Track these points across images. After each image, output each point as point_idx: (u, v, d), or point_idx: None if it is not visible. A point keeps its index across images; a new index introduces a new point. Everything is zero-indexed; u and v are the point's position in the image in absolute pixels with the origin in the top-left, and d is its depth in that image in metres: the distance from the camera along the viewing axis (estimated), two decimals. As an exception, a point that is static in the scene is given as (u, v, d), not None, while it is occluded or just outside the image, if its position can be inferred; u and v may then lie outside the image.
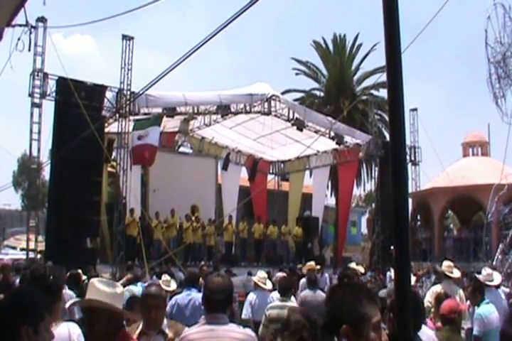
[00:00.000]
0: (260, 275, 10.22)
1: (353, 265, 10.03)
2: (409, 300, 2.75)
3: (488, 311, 7.40)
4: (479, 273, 9.79)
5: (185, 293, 8.39)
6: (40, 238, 18.32)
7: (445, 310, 6.25)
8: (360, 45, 37.98)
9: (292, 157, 29.75)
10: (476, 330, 7.13)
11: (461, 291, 9.41)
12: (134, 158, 20.37)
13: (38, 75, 18.15)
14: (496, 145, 37.17)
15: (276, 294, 10.57)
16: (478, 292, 7.91)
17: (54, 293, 3.97)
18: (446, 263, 9.64)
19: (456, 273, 9.65)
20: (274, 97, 23.59)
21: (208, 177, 27.41)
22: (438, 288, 9.09)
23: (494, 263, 23.67)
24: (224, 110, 23.10)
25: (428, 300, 8.65)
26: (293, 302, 8.38)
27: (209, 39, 6.45)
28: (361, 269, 13.60)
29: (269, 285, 10.09)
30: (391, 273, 14.12)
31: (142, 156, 20.74)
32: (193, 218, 23.41)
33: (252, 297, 9.72)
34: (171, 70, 7.40)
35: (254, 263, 25.03)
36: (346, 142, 26.30)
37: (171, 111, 21.93)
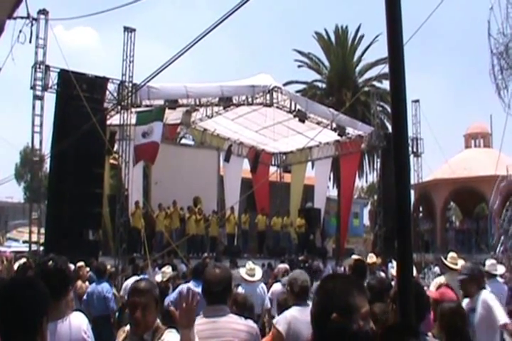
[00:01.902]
0: (248, 266, 10.20)
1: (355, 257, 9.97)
2: (411, 291, 2.77)
3: None
4: (483, 264, 9.82)
5: (192, 283, 8.46)
6: (43, 230, 18.35)
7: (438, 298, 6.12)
8: (362, 37, 38.00)
9: (294, 148, 29.75)
10: None
11: None
12: (138, 156, 20.27)
13: (39, 68, 18.11)
14: (498, 136, 37.12)
15: (278, 285, 10.62)
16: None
17: (64, 285, 4.01)
18: (450, 255, 9.57)
19: (460, 265, 9.59)
20: (276, 89, 23.52)
21: (210, 169, 27.41)
22: (442, 280, 9.07)
23: (496, 254, 23.75)
24: (226, 102, 23.04)
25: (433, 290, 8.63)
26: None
27: (211, 30, 6.45)
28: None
29: (256, 277, 10.09)
30: (393, 265, 14.12)
31: (146, 154, 20.74)
32: (196, 210, 23.42)
33: (240, 290, 9.74)
34: (172, 62, 7.39)
35: (256, 254, 25.05)
36: (348, 133, 26.23)
37: (172, 103, 21.88)
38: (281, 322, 5.25)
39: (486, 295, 6.52)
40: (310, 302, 4.82)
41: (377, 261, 13.58)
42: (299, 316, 5.20)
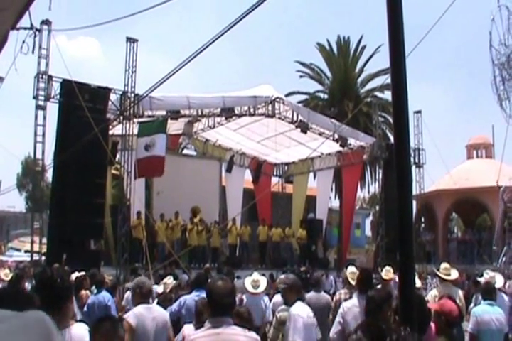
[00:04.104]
0: (254, 277, 9.97)
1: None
2: (413, 302, 2.76)
3: (484, 310, 7.47)
4: (481, 275, 9.78)
5: (194, 293, 8.42)
6: (45, 240, 18.35)
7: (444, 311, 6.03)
8: (364, 47, 38.04)
9: (296, 159, 29.78)
10: (470, 328, 7.36)
11: (460, 293, 9.31)
12: (140, 171, 19.98)
13: (42, 78, 18.16)
14: (500, 147, 37.09)
15: (279, 296, 10.54)
16: (484, 292, 7.96)
17: (63, 294, 3.98)
18: (442, 266, 9.53)
19: (454, 275, 9.47)
20: (278, 99, 23.61)
21: (212, 179, 27.40)
22: (435, 292, 9.05)
23: (499, 265, 23.68)
24: (228, 112, 23.09)
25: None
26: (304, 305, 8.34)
27: (213, 41, 6.47)
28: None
29: (260, 289, 9.83)
30: (395, 276, 13.96)
31: (150, 169, 20.58)
32: (196, 220, 23.40)
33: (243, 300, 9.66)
34: (175, 73, 7.41)
35: (258, 265, 25.00)
36: (350, 144, 26.26)
37: (175, 114, 21.92)
38: (131, 317, 6.41)
39: (295, 309, 6.87)
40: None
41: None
42: (145, 313, 6.51)
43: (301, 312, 6.88)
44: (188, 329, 6.63)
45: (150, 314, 6.58)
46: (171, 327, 6.92)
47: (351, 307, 6.79)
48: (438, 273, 9.41)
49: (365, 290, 6.86)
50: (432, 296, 8.82)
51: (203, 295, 8.13)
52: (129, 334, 6.11)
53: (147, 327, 6.37)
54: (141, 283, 7.00)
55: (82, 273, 12.11)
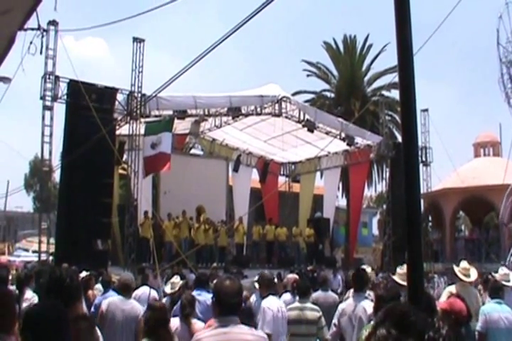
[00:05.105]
0: None
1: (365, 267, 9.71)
2: (421, 300, 2.75)
3: (493, 309, 7.42)
4: (496, 271, 9.66)
5: (195, 292, 8.42)
6: (52, 240, 18.38)
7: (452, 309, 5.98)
8: (370, 46, 37.93)
9: (303, 158, 29.74)
10: (479, 326, 7.31)
11: (478, 294, 9.15)
12: (147, 168, 20.13)
13: (49, 78, 18.19)
14: (507, 145, 37.00)
15: (287, 295, 10.53)
16: (491, 291, 7.91)
17: (73, 294, 3.97)
18: (462, 265, 9.20)
19: (473, 277, 9.14)
20: (284, 99, 23.58)
21: (218, 178, 27.41)
22: (452, 289, 8.88)
23: (506, 264, 23.60)
24: (235, 112, 23.09)
25: (444, 300, 8.43)
26: (311, 304, 8.35)
27: (220, 42, 6.47)
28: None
29: None
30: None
31: (157, 166, 20.62)
32: (201, 219, 23.44)
33: (252, 299, 9.67)
34: (183, 73, 7.41)
35: (265, 264, 25.00)
36: (357, 143, 26.21)
37: (181, 114, 21.92)
38: (104, 303, 7.53)
39: (265, 303, 7.27)
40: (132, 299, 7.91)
41: None
42: (118, 303, 7.49)
43: (271, 305, 7.14)
44: (173, 322, 6.69)
45: (122, 305, 7.49)
46: (141, 321, 7.43)
47: (346, 307, 6.82)
48: (457, 272, 9.14)
49: (359, 289, 6.90)
50: (448, 293, 8.65)
51: (204, 294, 8.22)
52: (100, 318, 7.20)
53: (116, 314, 7.29)
54: (120, 278, 8.27)
55: (88, 272, 12.13)
